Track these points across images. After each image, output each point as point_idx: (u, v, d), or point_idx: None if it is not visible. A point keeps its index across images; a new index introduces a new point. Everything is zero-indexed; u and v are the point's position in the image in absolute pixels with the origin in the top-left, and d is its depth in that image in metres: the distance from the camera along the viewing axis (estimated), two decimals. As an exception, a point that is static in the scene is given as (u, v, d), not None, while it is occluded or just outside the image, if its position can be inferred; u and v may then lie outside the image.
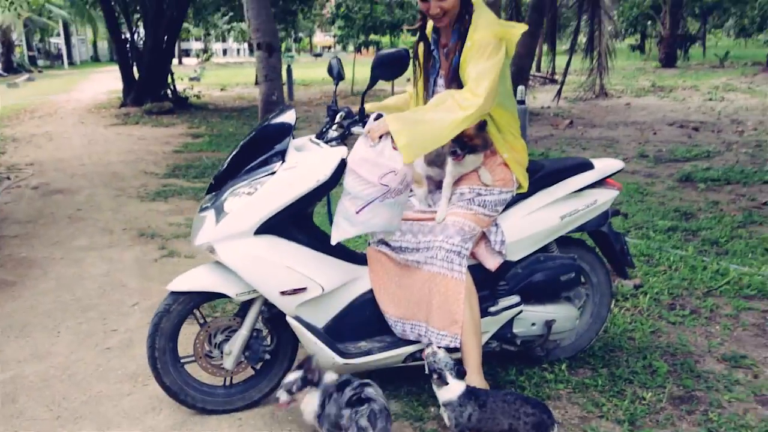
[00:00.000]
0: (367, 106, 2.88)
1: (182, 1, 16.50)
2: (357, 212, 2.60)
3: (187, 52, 51.31)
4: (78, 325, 3.92)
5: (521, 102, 8.17)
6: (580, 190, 3.06)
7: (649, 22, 29.36)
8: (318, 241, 2.84)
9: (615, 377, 3.10)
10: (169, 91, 16.74)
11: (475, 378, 2.72)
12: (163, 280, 4.43)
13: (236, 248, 2.66)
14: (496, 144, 2.88)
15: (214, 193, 2.84)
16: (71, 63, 46.59)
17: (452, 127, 2.57)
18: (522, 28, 2.79)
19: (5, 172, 8.66)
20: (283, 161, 2.72)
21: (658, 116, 12.61)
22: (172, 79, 16.99)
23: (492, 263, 2.89)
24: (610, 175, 3.16)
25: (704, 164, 7.92)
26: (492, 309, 2.92)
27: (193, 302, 2.81)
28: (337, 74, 2.93)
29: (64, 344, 3.67)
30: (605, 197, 3.13)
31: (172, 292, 2.78)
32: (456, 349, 2.73)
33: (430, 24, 2.96)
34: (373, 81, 2.81)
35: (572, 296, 3.16)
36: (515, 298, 2.96)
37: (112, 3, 16.57)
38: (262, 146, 2.79)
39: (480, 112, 2.59)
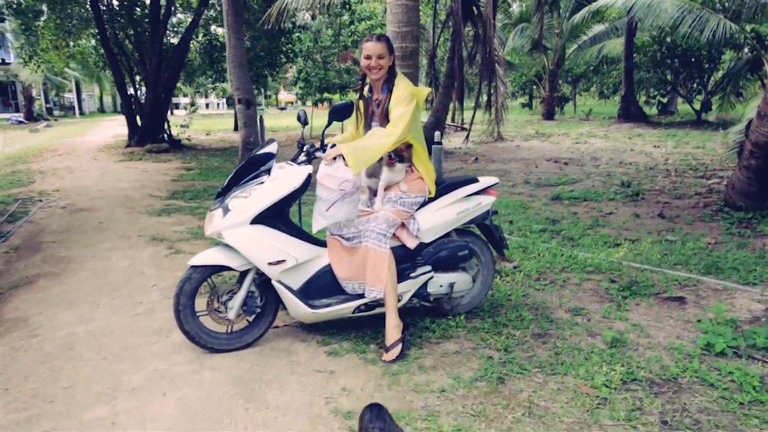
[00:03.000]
0: (327, 140, 3.36)
1: (176, 66, 16.54)
2: (327, 210, 3.17)
3: (176, 105, 50.48)
4: (111, 300, 4.10)
5: (438, 143, 8.60)
6: (469, 195, 3.53)
7: (534, 86, 30.59)
8: (293, 229, 3.26)
9: (497, 323, 3.51)
10: (165, 135, 16.65)
11: (393, 316, 3.18)
12: (173, 269, 4.74)
13: (238, 233, 3.06)
14: (415, 164, 3.36)
15: (219, 199, 3.24)
16: (81, 113, 45.25)
17: (383, 148, 3.09)
18: (427, 90, 3.49)
19: (37, 196, 8.62)
20: (269, 175, 3.15)
21: (539, 154, 13.20)
22: (168, 126, 16.91)
23: (411, 243, 3.35)
24: (489, 187, 3.63)
25: (570, 188, 8.43)
26: (412, 275, 3.38)
27: (206, 272, 3.17)
28: (304, 120, 3.38)
29: (103, 313, 3.87)
30: (486, 201, 3.60)
31: (192, 266, 3.14)
32: (381, 301, 3.22)
33: (366, 87, 3.50)
34: (330, 122, 3.27)
35: (467, 267, 3.62)
36: (428, 267, 3.42)
37: (120, 66, 16.49)
38: (254, 167, 3.22)
39: (399, 138, 3.11)
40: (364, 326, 3.48)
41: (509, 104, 15.69)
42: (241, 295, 3.22)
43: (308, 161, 3.27)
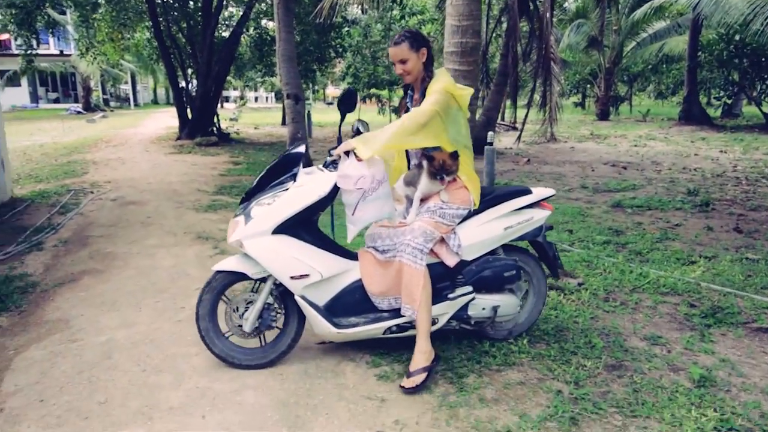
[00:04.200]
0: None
1: (227, 60, 16.62)
2: (353, 215, 2.86)
3: (227, 99, 51.23)
4: (155, 303, 3.97)
5: (490, 144, 8.27)
6: (520, 209, 3.17)
7: (588, 85, 29.61)
8: (320, 240, 3.01)
9: (564, 350, 3.18)
10: (214, 128, 16.77)
11: (423, 342, 2.88)
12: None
13: (258, 243, 2.85)
14: (460, 172, 3.02)
15: (244, 204, 3.02)
16: (136, 105, 46.47)
17: (398, 130, 2.79)
18: (469, 91, 3.04)
19: (89, 187, 8.70)
20: (295, 181, 2.92)
21: (595, 157, 12.68)
22: (217, 119, 17.03)
23: (451, 261, 3.00)
24: (544, 199, 3.25)
25: (631, 194, 7.96)
26: (450, 295, 3.04)
27: (225, 281, 2.99)
28: (347, 107, 3.03)
29: (146, 316, 3.73)
30: (539, 215, 3.21)
31: (215, 272, 2.98)
32: (414, 322, 2.93)
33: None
34: (342, 116, 3.03)
35: (514, 289, 3.23)
36: (468, 288, 3.06)
37: (173, 60, 16.68)
38: (283, 170, 2.98)
39: (416, 122, 2.80)
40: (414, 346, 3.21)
41: (562, 103, 15.13)
42: (257, 306, 2.97)
43: (336, 167, 2.97)
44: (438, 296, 3.00)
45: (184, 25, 16.69)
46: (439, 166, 2.90)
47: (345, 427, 2.50)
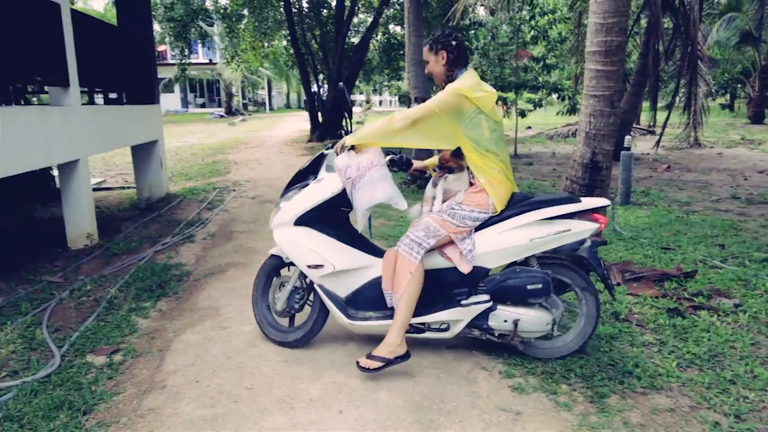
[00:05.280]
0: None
1: (356, 64, 17.19)
2: (355, 205, 3.02)
3: (353, 102, 52.93)
4: (292, 297, 4.18)
5: (627, 149, 7.78)
6: (555, 218, 2.93)
7: (739, 85, 26.84)
8: (347, 236, 3.20)
9: (720, 378, 2.89)
10: (343, 131, 17.38)
11: (394, 334, 2.91)
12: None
13: (282, 233, 3.18)
14: (476, 174, 2.97)
15: (283, 196, 3.33)
16: (271, 109, 49.62)
17: (383, 126, 2.97)
18: (491, 94, 2.98)
19: (231, 185, 9.40)
20: (315, 177, 3.18)
21: (748, 165, 11.48)
22: (347, 122, 17.64)
23: (464, 267, 2.93)
24: (593, 210, 2.97)
25: (794, 207, 7.14)
26: (463, 302, 2.97)
27: (274, 263, 3.39)
28: (344, 102, 3.20)
29: (284, 310, 3.95)
30: (580, 227, 2.93)
31: (270, 255, 3.43)
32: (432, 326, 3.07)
33: None
34: (344, 113, 3.24)
35: (548, 305, 3.00)
36: (485, 297, 2.95)
37: (306, 65, 17.56)
38: (314, 166, 3.26)
39: (403, 121, 2.90)
40: (551, 361, 3.08)
41: (707, 105, 13.86)
42: (287, 288, 3.29)
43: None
44: (450, 302, 2.98)
45: (318, 32, 17.53)
46: (440, 162, 3.03)
47: (480, 437, 2.46)
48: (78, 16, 5.90)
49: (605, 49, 4.29)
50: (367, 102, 43.71)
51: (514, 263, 3.03)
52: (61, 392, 2.82)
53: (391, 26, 19.92)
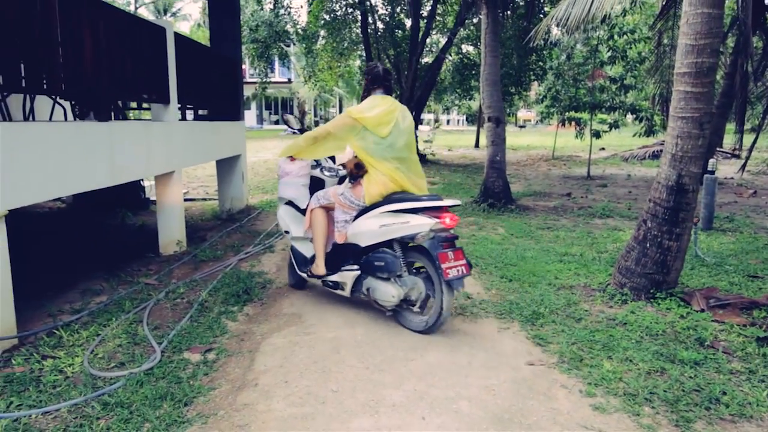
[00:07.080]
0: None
1: (429, 84, 17.41)
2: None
3: (420, 121, 53.35)
4: (371, 307, 4.30)
5: (711, 172, 7.50)
6: (401, 211, 3.67)
7: (837, 107, 25.04)
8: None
9: (817, 411, 2.79)
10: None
11: (319, 261, 4.23)
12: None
13: (279, 209, 4.68)
14: (365, 175, 3.97)
15: None
16: (341, 126, 50.77)
17: (297, 140, 4.27)
18: (372, 115, 3.89)
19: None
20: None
21: None
22: (416, 140, 17.84)
23: (338, 238, 4.09)
24: (439, 208, 3.60)
25: None
26: (344, 268, 4.06)
27: None
28: (292, 124, 5.00)
29: (365, 318, 4.09)
30: (418, 222, 3.57)
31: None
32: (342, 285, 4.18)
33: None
34: (294, 129, 5.01)
35: (399, 282, 3.74)
36: (355, 267, 3.98)
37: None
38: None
39: (302, 141, 4.22)
40: (632, 382, 3.05)
41: (801, 128, 13.03)
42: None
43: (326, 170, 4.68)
44: (337, 267, 4.10)
45: (392, 52, 17.90)
46: (349, 172, 4.02)
47: (561, 453, 2.49)
48: (179, 39, 6.39)
49: (696, 70, 4.21)
50: (436, 121, 43.88)
51: (382, 244, 3.82)
52: (164, 384, 3.06)
53: (464, 46, 20.07)
